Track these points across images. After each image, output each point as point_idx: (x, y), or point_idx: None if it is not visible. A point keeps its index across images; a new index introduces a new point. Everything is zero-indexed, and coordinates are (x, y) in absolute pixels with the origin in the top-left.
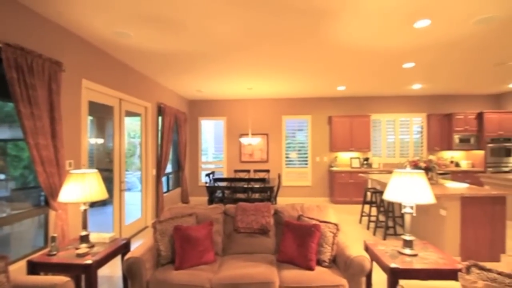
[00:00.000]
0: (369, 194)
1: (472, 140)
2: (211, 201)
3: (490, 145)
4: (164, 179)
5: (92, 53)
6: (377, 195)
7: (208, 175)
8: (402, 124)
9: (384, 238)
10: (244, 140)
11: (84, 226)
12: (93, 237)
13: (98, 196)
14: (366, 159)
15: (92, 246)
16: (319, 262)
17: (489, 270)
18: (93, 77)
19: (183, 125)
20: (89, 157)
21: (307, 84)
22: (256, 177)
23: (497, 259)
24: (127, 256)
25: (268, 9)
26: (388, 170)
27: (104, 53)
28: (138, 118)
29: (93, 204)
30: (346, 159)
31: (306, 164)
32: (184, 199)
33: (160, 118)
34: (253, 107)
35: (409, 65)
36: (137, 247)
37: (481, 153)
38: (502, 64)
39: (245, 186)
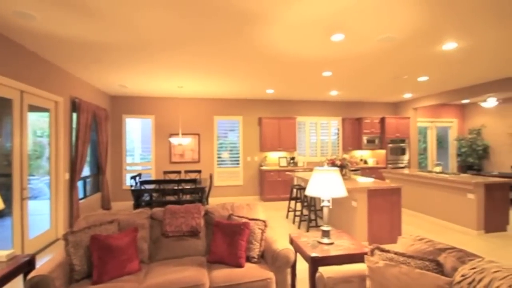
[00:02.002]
0: (295, 190)
1: (377, 141)
2: (137, 206)
3: (390, 145)
4: (80, 183)
5: None
6: (301, 191)
7: (133, 177)
8: (323, 126)
9: (307, 230)
10: (174, 140)
11: None
12: None
13: None
14: (293, 158)
15: None
16: (249, 259)
17: (388, 251)
18: None
19: (104, 123)
20: None
21: (238, 85)
22: (187, 178)
23: (395, 241)
24: (30, 275)
25: (196, 10)
26: (311, 168)
27: (1, 36)
28: (46, 114)
29: None
30: (275, 158)
31: (238, 164)
32: (105, 205)
33: (75, 115)
34: (184, 106)
35: (327, 73)
36: (44, 263)
37: (383, 152)
38: (398, 78)
39: (176, 188)
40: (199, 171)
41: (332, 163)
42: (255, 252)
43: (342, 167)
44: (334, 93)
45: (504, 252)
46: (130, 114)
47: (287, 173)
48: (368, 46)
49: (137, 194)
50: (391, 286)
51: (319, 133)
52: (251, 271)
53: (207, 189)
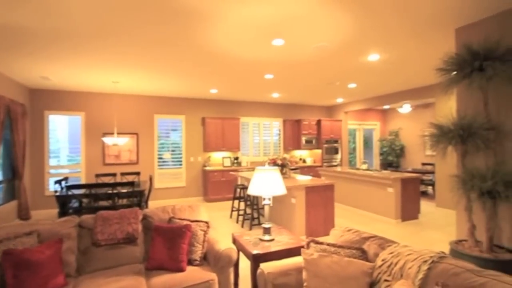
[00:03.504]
0: (238, 190)
1: (314, 141)
2: (64, 214)
3: (325, 145)
4: None
5: None
6: (245, 190)
7: (58, 182)
8: (265, 127)
9: (250, 229)
10: (109, 140)
11: None
12: None
13: None
14: (236, 158)
15: None
16: (191, 262)
17: (321, 243)
18: None
19: (21, 120)
20: None
21: (181, 83)
22: (124, 180)
23: (328, 233)
24: None
25: (134, 1)
26: (254, 167)
27: None
28: None
29: None
30: (219, 158)
31: (181, 164)
32: (23, 215)
33: None
34: (120, 103)
35: (269, 76)
36: None
37: (319, 151)
38: (332, 84)
39: (110, 192)
40: (137, 173)
41: (274, 163)
42: (197, 254)
43: (282, 166)
44: (275, 95)
45: (417, 237)
46: (54, 111)
47: (231, 173)
48: (305, 52)
49: (62, 201)
50: (324, 275)
51: (262, 134)
52: (193, 274)
53: (146, 192)
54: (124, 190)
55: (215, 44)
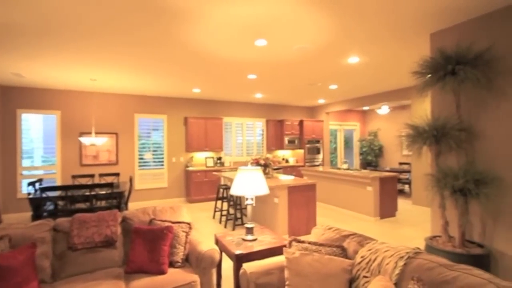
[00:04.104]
0: (221, 190)
1: (296, 142)
2: (38, 217)
3: (307, 145)
4: None
5: None
6: (228, 191)
7: (32, 183)
8: (248, 127)
9: (233, 229)
10: (86, 140)
11: None
12: None
13: None
14: (219, 158)
15: None
16: (172, 264)
17: (303, 242)
18: None
19: None
20: None
21: (162, 83)
22: (103, 182)
23: (310, 232)
24: None
25: None
26: (237, 167)
27: None
28: None
29: None
30: (202, 158)
31: (162, 165)
32: None
33: None
34: (98, 102)
35: (252, 76)
36: None
37: (302, 151)
38: (314, 85)
39: (88, 193)
40: (117, 174)
41: (257, 163)
42: (179, 256)
43: (265, 166)
44: (259, 95)
45: (394, 234)
46: (27, 109)
47: (214, 173)
48: (288, 53)
49: (36, 203)
50: (305, 273)
51: (245, 134)
52: (174, 276)
53: (126, 194)
54: (103, 192)
55: (198, 43)
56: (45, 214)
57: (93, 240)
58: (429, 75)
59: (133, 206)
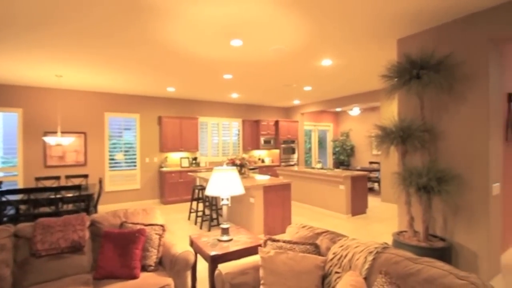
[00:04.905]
0: (197, 191)
1: (272, 142)
2: None
3: (283, 145)
4: None
5: None
6: (203, 191)
7: None
8: (224, 127)
9: (209, 230)
10: (51, 140)
11: None
12: None
13: None
14: (195, 159)
15: None
16: (145, 268)
17: (278, 241)
18: None
19: None
20: None
21: (135, 80)
22: (69, 184)
23: (285, 231)
24: None
25: None
26: (213, 168)
27: None
28: None
29: None
30: (176, 159)
31: (135, 165)
32: None
33: None
34: (64, 100)
35: (228, 76)
36: None
37: (277, 151)
38: (289, 86)
39: (53, 197)
40: (85, 176)
41: (232, 163)
42: (152, 259)
43: (241, 166)
44: (235, 95)
45: (365, 230)
46: None
47: (189, 173)
48: (263, 54)
49: None
50: (280, 271)
51: (221, 134)
52: (147, 280)
53: (95, 196)
54: (70, 195)
55: (173, 41)
56: (5, 219)
57: (59, 245)
58: (396, 79)
59: (104, 209)
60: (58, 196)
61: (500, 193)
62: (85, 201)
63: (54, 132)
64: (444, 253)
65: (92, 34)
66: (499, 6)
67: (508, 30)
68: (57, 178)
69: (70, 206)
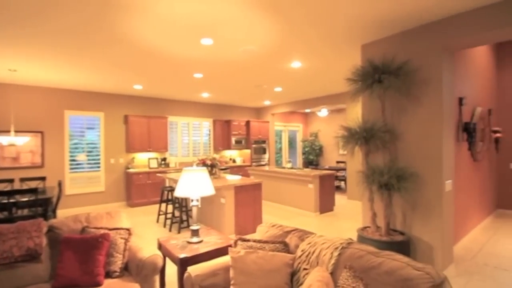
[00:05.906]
0: (166, 192)
1: (243, 142)
2: None
3: (254, 145)
4: None
5: None
6: (173, 193)
7: None
8: (195, 127)
9: (179, 232)
10: (3, 140)
11: None
12: None
13: None
14: (164, 159)
15: None
16: (109, 274)
17: (248, 240)
18: None
19: None
20: None
21: (98, 76)
22: (25, 187)
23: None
24: None
25: None
26: (183, 168)
27: None
28: None
29: None
30: (144, 159)
31: (99, 167)
32: None
33: None
34: (19, 96)
35: (198, 75)
36: None
37: (248, 151)
38: (260, 86)
39: (5, 201)
40: (42, 178)
41: (203, 163)
42: (117, 265)
43: (212, 166)
44: (205, 95)
45: (332, 227)
46: None
47: (158, 174)
48: (234, 54)
49: None
50: (250, 271)
51: (192, 134)
52: (112, 287)
53: (54, 200)
54: (25, 199)
55: (141, 37)
56: None
57: (12, 254)
58: (360, 82)
59: (64, 213)
60: (11, 200)
61: (452, 189)
62: (43, 205)
63: (6, 131)
64: (404, 246)
65: (52, 29)
66: (453, 16)
67: (461, 39)
68: (10, 181)
69: (25, 211)
